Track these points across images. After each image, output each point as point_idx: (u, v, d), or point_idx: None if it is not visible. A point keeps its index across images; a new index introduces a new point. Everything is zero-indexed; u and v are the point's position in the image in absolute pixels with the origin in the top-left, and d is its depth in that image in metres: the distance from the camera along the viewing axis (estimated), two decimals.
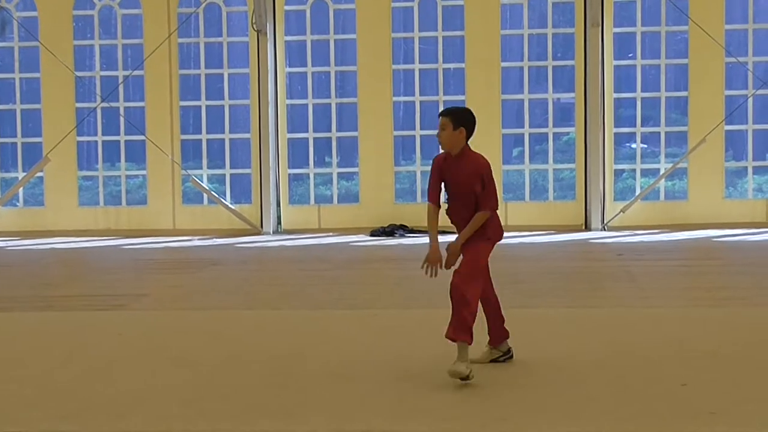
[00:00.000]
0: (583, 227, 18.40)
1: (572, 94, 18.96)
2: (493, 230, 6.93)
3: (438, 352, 7.17)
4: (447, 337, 6.62)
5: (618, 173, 19.14)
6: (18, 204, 19.95)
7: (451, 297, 6.62)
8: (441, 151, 7.01)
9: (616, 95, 18.68)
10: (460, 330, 6.56)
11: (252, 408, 6.12)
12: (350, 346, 7.90)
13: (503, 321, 7.19)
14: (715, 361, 7.21)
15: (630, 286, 11.55)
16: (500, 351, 7.20)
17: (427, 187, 7.05)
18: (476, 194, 6.78)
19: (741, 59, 18.45)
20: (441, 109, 18.51)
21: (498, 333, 7.19)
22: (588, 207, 18.39)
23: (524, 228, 18.15)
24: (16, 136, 19.77)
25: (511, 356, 7.23)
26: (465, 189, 6.81)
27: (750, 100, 18.64)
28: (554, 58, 19.01)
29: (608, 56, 18.42)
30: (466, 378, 6.49)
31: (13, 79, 19.77)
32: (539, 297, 10.88)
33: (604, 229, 18.13)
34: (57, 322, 9.71)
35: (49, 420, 5.96)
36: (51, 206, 19.56)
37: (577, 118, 18.70)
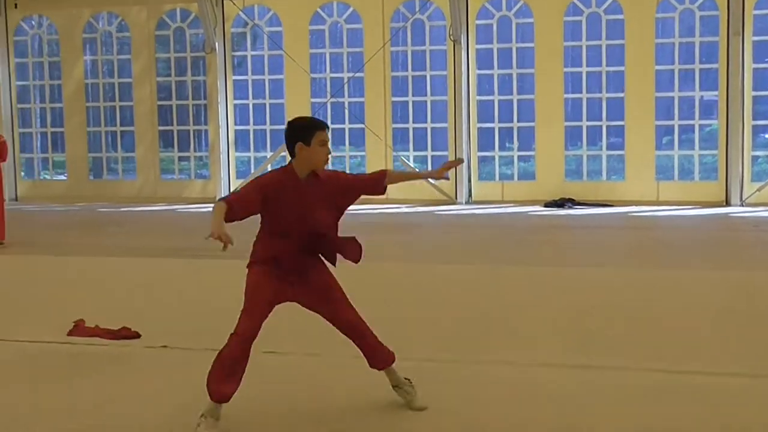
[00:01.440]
0: (724, 203, 17.82)
1: (715, 92, 18.31)
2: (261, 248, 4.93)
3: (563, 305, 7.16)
4: (380, 368, 4.98)
5: (754, 159, 18.42)
6: None
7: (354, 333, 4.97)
8: (317, 167, 4.82)
9: (754, 93, 17.96)
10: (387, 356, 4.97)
11: (437, 341, 6.24)
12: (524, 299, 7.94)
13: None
14: None
15: (765, 252, 11.22)
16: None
17: (240, 195, 4.72)
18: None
19: None
20: (604, 105, 18.44)
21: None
22: (728, 186, 17.79)
23: (673, 203, 17.81)
24: (265, 124, 20.51)
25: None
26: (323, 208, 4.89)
27: None
28: (700, 62, 18.41)
29: (748, 61, 17.73)
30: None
31: (263, 80, 20.48)
32: (689, 259, 10.70)
33: (743, 205, 17.53)
34: None
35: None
36: None
37: (720, 112, 18.08)
